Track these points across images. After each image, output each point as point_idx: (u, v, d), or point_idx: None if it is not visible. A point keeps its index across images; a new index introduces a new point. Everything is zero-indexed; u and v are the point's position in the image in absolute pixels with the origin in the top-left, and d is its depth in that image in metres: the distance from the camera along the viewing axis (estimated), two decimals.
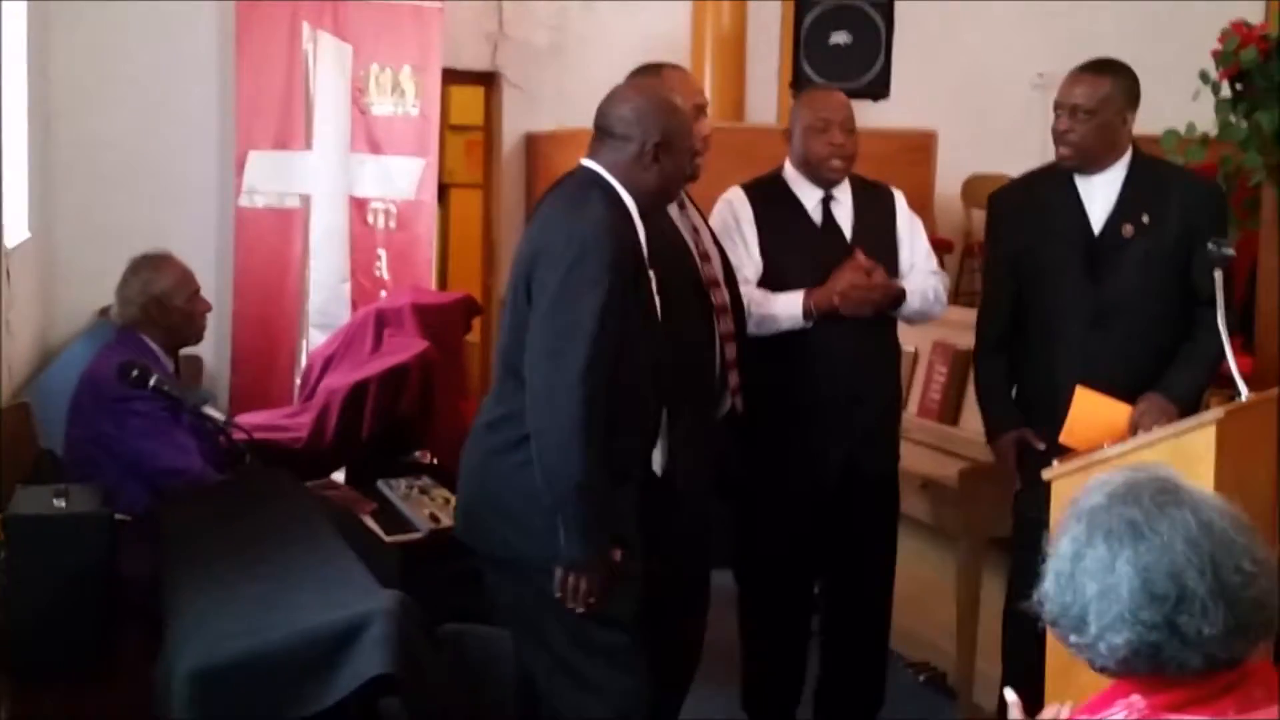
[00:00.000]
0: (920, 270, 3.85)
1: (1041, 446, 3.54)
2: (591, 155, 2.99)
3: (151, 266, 4.07)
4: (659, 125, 2.94)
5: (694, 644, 3.53)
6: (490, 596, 3.05)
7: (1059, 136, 3.61)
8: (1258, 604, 1.71)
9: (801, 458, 3.71)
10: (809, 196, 3.80)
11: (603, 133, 2.99)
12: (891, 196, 3.90)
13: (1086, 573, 1.74)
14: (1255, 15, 6.35)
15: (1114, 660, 1.74)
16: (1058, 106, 3.62)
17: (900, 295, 3.76)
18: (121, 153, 5.98)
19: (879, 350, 3.81)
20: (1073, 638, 1.77)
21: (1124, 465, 1.85)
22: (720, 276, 3.50)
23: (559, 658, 2.93)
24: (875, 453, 3.80)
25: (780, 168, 3.86)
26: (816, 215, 3.80)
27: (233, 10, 5.92)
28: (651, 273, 2.99)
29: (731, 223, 3.76)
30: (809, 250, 3.74)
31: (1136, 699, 1.76)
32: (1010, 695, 1.99)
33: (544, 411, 2.79)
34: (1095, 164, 3.62)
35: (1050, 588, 1.79)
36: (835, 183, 3.80)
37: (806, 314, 3.67)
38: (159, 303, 4.02)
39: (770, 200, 3.80)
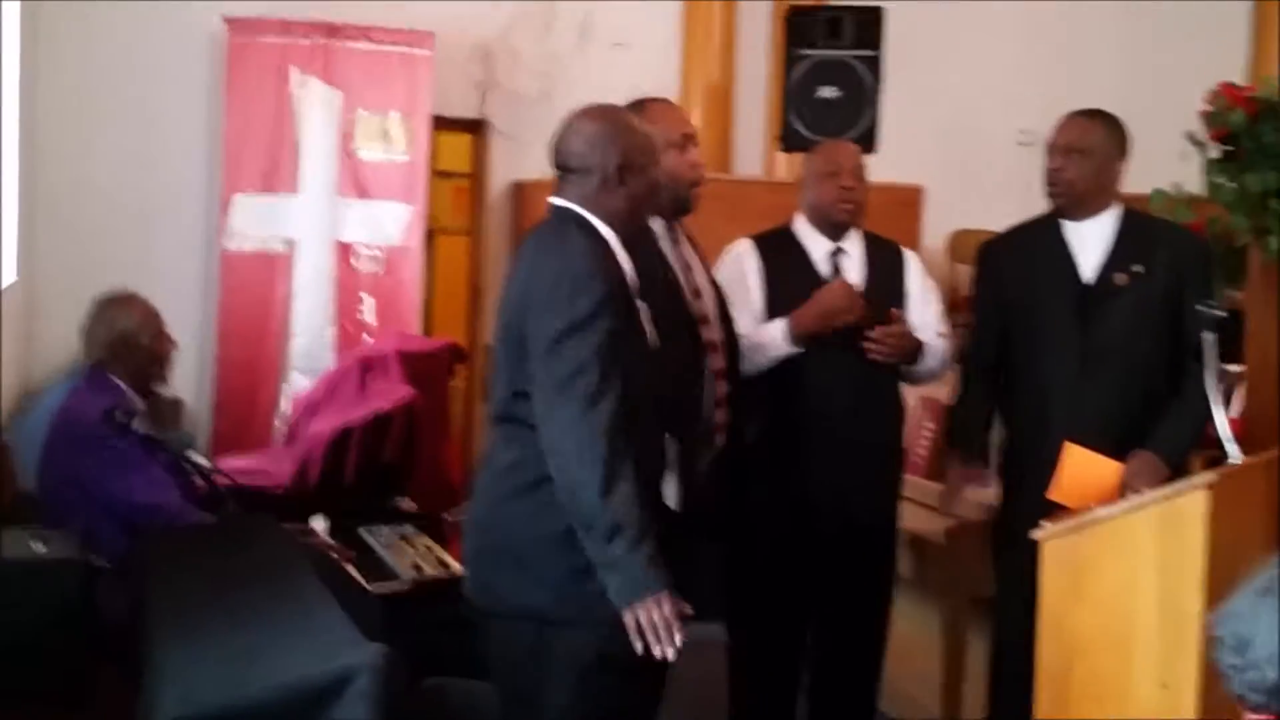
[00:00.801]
0: (929, 331, 3.84)
1: (988, 488, 3.60)
2: (558, 194, 2.93)
3: (117, 305, 4.06)
4: (615, 148, 2.87)
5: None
6: (488, 650, 2.91)
7: (1051, 176, 3.66)
8: None
9: (794, 505, 3.69)
10: (817, 248, 3.81)
11: (564, 170, 2.92)
12: (902, 256, 3.90)
13: (1268, 607, 1.80)
14: (1239, 74, 6.43)
15: (1261, 693, 1.80)
16: (1050, 148, 3.67)
17: (916, 348, 3.75)
18: (108, 195, 5.98)
19: (879, 403, 3.79)
20: (1230, 659, 1.82)
21: None
22: (713, 313, 3.48)
23: (561, 715, 2.81)
24: (871, 505, 3.77)
25: (791, 220, 3.87)
26: (824, 268, 3.80)
27: (222, 54, 5.93)
28: (643, 304, 2.93)
29: (736, 274, 3.76)
30: None
31: None
32: None
33: (556, 453, 2.70)
34: (1086, 208, 3.65)
35: (1233, 607, 1.85)
36: (844, 227, 3.79)
37: (789, 337, 3.66)
38: (125, 341, 4.00)
39: (777, 252, 3.80)
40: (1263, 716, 1.82)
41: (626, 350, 2.77)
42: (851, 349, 3.68)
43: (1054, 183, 3.66)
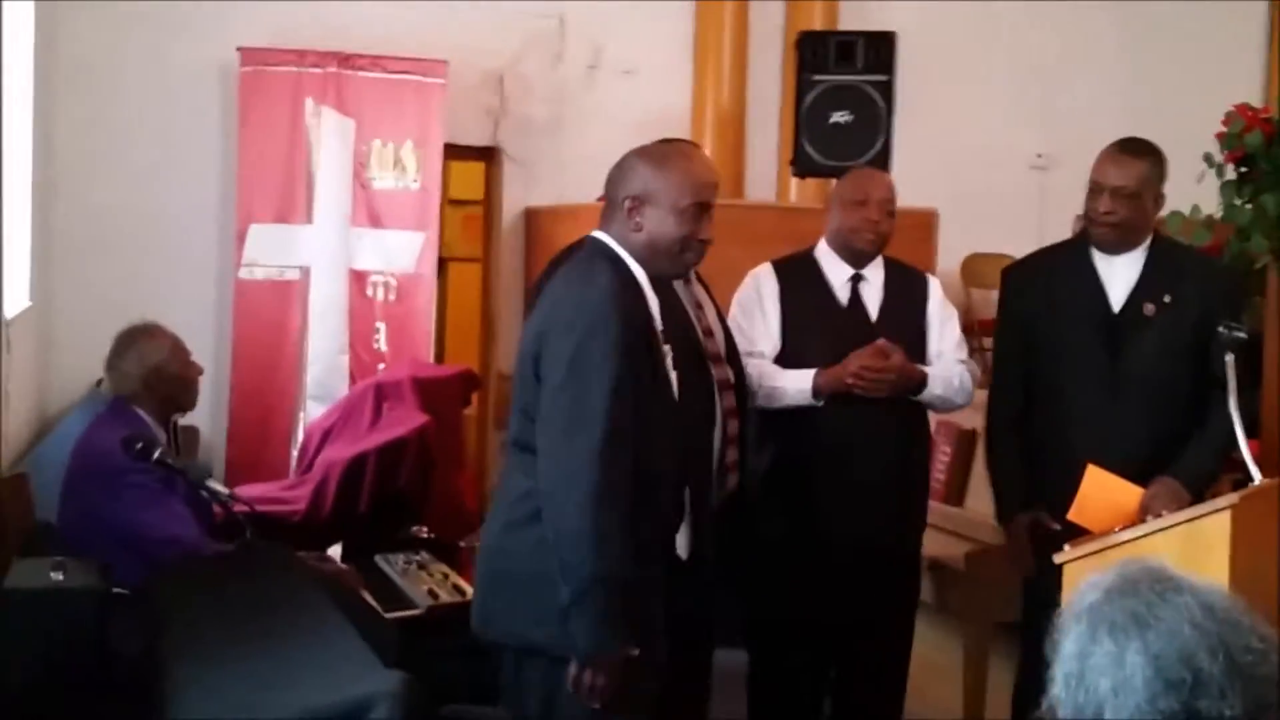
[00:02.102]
0: (947, 358, 3.82)
1: (1057, 528, 3.48)
2: (600, 225, 2.93)
3: (145, 337, 4.05)
4: (637, 179, 2.86)
5: None
6: (500, 680, 2.92)
7: (1098, 217, 3.59)
8: (1271, 682, 1.68)
9: (813, 537, 3.67)
10: (838, 275, 3.80)
11: (606, 199, 2.93)
12: (925, 283, 3.89)
13: (1096, 670, 1.69)
14: (1254, 95, 6.42)
15: None
16: (1095, 186, 3.59)
17: (922, 380, 3.73)
18: (123, 223, 5.99)
19: (900, 434, 3.76)
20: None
21: (1112, 562, 1.82)
22: (723, 352, 3.48)
23: None
24: (892, 537, 3.74)
25: (814, 246, 3.86)
26: (843, 294, 3.79)
27: (236, 84, 5.95)
28: (668, 347, 2.90)
29: (755, 297, 3.75)
30: (831, 329, 3.72)
31: None
32: None
33: (558, 497, 2.68)
34: (1129, 245, 3.62)
35: (1061, 692, 1.73)
36: (866, 257, 3.78)
37: (815, 393, 3.65)
38: (158, 373, 4.00)
39: (797, 276, 3.80)
40: None
41: (646, 397, 2.75)
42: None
43: (1102, 224, 3.59)
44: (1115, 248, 3.62)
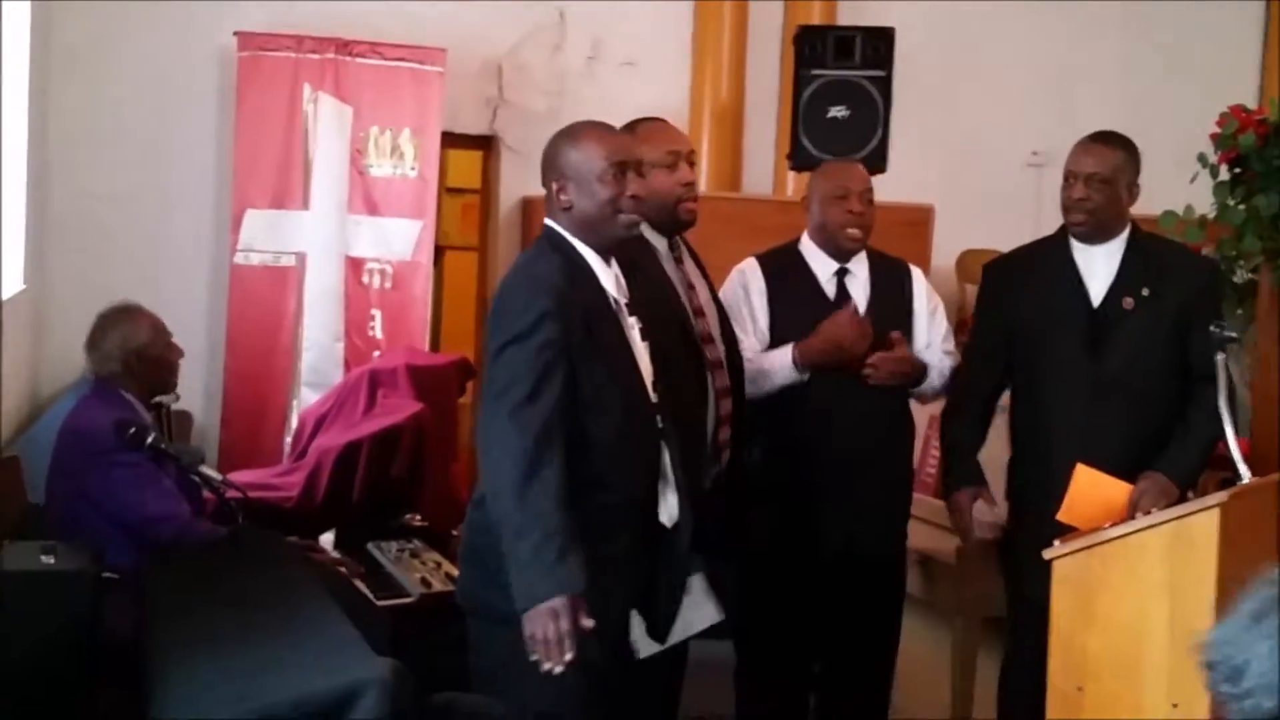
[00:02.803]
0: (936, 349, 3.83)
1: (994, 506, 3.57)
2: (546, 213, 3.02)
3: (126, 319, 4.04)
4: (554, 163, 2.94)
5: (669, 710, 3.46)
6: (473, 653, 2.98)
7: (1073, 204, 3.63)
8: None
9: (800, 528, 3.68)
10: (823, 269, 3.80)
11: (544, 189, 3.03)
12: (909, 274, 3.90)
13: (1263, 632, 1.72)
14: (1248, 96, 6.43)
15: (1258, 718, 1.73)
16: (1069, 175, 3.63)
17: (923, 370, 3.75)
18: (118, 208, 5.98)
19: (885, 424, 3.78)
20: (1224, 686, 1.74)
21: None
22: (716, 332, 3.48)
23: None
24: (877, 530, 3.76)
25: (797, 240, 3.86)
26: (830, 288, 3.79)
27: (234, 70, 5.94)
28: (633, 320, 2.97)
29: (741, 292, 3.75)
30: (818, 322, 3.72)
31: None
32: None
33: (485, 456, 2.79)
34: (1104, 234, 3.64)
35: (1226, 633, 1.76)
36: (852, 253, 3.79)
37: (797, 364, 3.66)
38: (139, 355, 3.99)
39: (783, 271, 3.80)
40: None
41: (590, 369, 2.82)
42: (856, 373, 3.68)
43: (1075, 211, 3.63)
44: (1091, 237, 3.64)
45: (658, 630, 3.01)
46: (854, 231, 3.75)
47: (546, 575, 2.64)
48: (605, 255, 2.97)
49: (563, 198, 2.92)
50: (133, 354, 3.98)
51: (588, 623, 2.65)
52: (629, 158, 2.97)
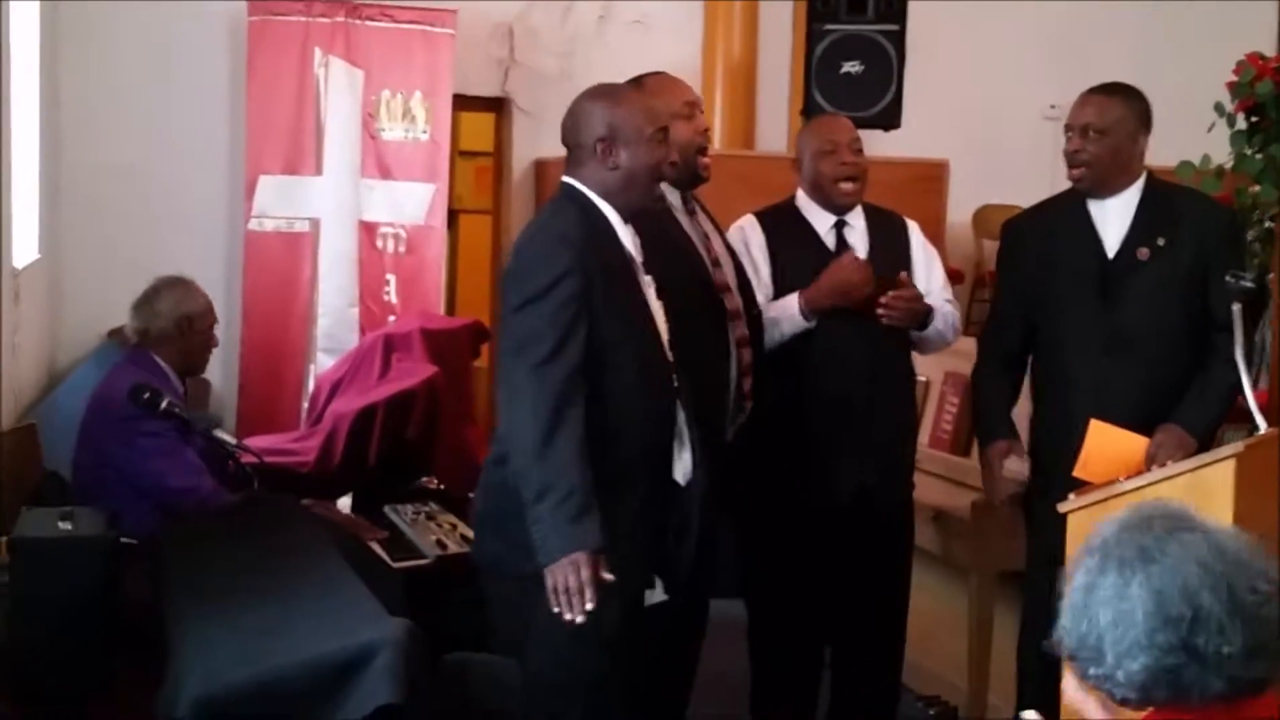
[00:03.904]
0: (935, 297, 3.83)
1: (1025, 460, 3.55)
2: (567, 172, 3.01)
3: (183, 287, 4.10)
4: (598, 120, 2.93)
5: (688, 669, 3.48)
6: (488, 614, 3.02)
7: (1070, 157, 3.60)
8: (1273, 623, 1.69)
9: (812, 477, 3.68)
10: (822, 222, 3.79)
11: (567, 148, 3.01)
12: (905, 225, 3.90)
13: (1100, 602, 1.72)
14: (1266, 44, 6.36)
15: (1134, 688, 1.71)
16: (1068, 128, 3.61)
17: (929, 312, 3.74)
18: (131, 176, 5.98)
19: (892, 371, 3.78)
20: (1091, 670, 1.75)
21: (1135, 501, 1.84)
22: (733, 282, 3.49)
23: (537, 679, 2.88)
24: (888, 479, 3.75)
25: (793, 196, 3.85)
26: (830, 240, 3.79)
27: (244, 35, 5.93)
28: (648, 279, 2.99)
29: (742, 249, 3.75)
30: (820, 271, 3.72)
31: None
32: (1030, 715, 1.97)
33: (504, 414, 2.83)
34: (1107, 186, 3.60)
35: (1067, 621, 1.77)
36: (848, 207, 3.78)
37: (803, 312, 3.65)
38: (189, 321, 4.03)
39: (783, 226, 3.79)
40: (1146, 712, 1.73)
41: (608, 327, 2.83)
42: (863, 319, 3.67)
43: (1073, 164, 3.59)
44: (1096, 190, 3.60)
45: (667, 585, 3.02)
46: (847, 185, 3.74)
47: (567, 531, 2.70)
48: (626, 216, 2.98)
49: (611, 159, 2.92)
50: (184, 318, 4.02)
51: (608, 576, 2.71)
52: (668, 122, 3.02)
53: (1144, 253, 3.56)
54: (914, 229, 3.90)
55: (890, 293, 3.65)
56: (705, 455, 3.02)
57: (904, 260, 3.82)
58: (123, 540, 3.28)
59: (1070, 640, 1.76)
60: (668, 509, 2.98)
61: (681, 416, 3.00)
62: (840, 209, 3.78)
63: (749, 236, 3.78)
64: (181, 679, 2.57)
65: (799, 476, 3.68)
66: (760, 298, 3.69)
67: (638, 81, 3.41)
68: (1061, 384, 3.62)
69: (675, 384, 2.99)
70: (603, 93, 3.00)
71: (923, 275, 3.83)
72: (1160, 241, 3.56)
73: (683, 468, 3.00)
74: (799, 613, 3.79)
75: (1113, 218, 3.61)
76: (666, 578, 3.03)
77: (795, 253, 3.75)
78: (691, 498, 3.00)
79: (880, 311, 3.65)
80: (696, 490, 3.00)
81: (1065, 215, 3.67)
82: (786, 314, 3.67)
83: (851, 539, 3.70)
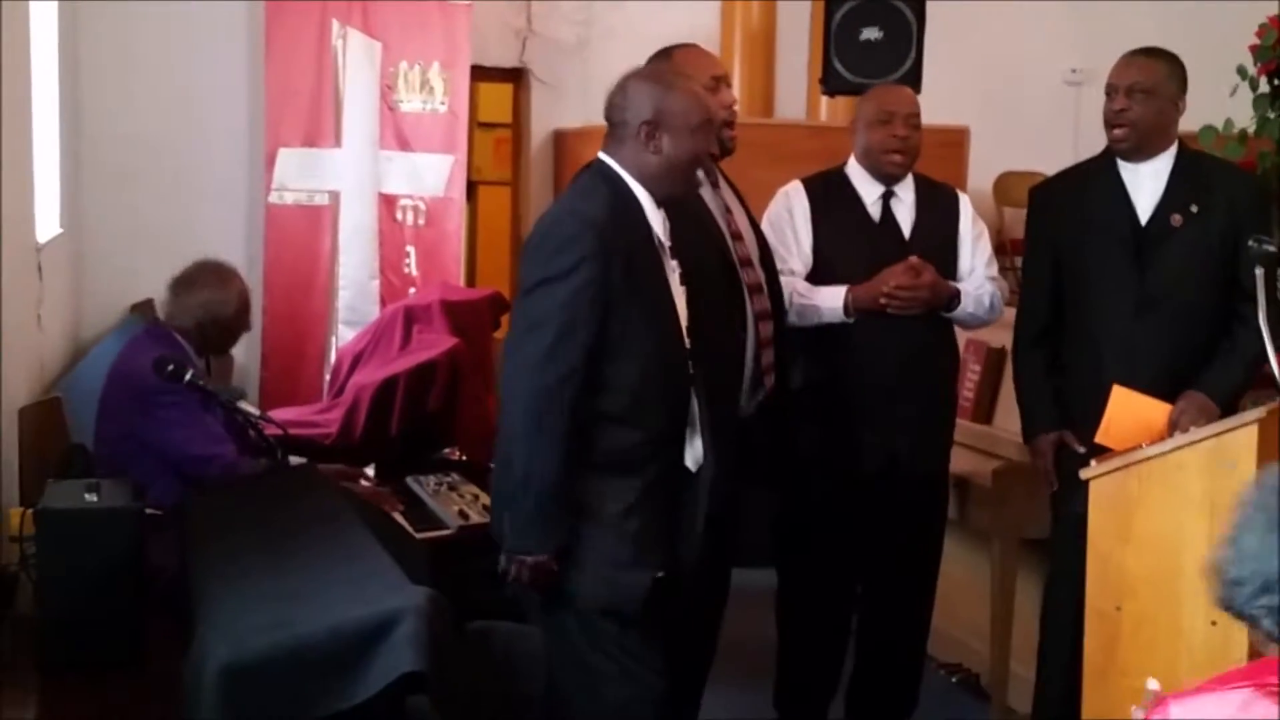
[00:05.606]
0: (979, 275, 3.82)
1: (1081, 450, 3.49)
2: (604, 148, 2.99)
3: (220, 285, 4.05)
4: (647, 103, 2.91)
5: (709, 638, 3.50)
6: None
7: (1114, 116, 3.58)
8: None
9: (841, 450, 3.68)
10: (869, 192, 3.79)
11: (609, 124, 2.99)
12: (956, 199, 3.89)
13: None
14: None
15: None
16: (1110, 89, 3.59)
17: (954, 295, 3.72)
18: (152, 149, 6.00)
19: (928, 348, 3.77)
20: (1261, 600, 1.75)
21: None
22: (754, 256, 3.49)
23: (568, 648, 2.92)
24: (919, 451, 3.75)
25: (845, 163, 3.84)
26: (875, 211, 3.78)
27: (262, 8, 5.93)
28: (675, 263, 2.97)
29: (785, 215, 3.75)
30: (863, 245, 3.72)
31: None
32: (1153, 684, 1.99)
33: (505, 399, 2.84)
34: (1148, 149, 3.59)
35: (1247, 545, 1.77)
36: (896, 178, 3.78)
37: (847, 310, 3.65)
38: (215, 322, 4.03)
39: (829, 194, 3.79)
40: None
41: (626, 313, 2.83)
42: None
43: (1118, 124, 3.58)
44: (1135, 153, 3.59)
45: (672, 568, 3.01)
46: (895, 157, 3.73)
47: (535, 531, 2.81)
48: (659, 201, 2.97)
49: (654, 143, 2.90)
50: (210, 321, 4.02)
51: (550, 578, 2.84)
52: (713, 115, 3.04)
53: (1177, 219, 3.55)
54: (965, 203, 3.89)
55: (892, 284, 3.64)
56: (718, 441, 3.02)
57: (950, 235, 3.81)
58: (148, 511, 3.29)
59: (1244, 567, 1.76)
60: (677, 492, 2.98)
61: (695, 404, 2.99)
62: (888, 179, 3.77)
63: (793, 203, 3.78)
64: (207, 647, 2.59)
65: (827, 448, 3.68)
66: (799, 267, 3.69)
67: (666, 53, 3.40)
68: (1091, 346, 3.61)
69: (691, 371, 2.98)
70: (655, 76, 3.00)
71: (968, 251, 3.82)
72: (1194, 209, 3.55)
73: (694, 454, 3.00)
74: (829, 579, 3.80)
75: (1146, 183, 3.60)
76: (671, 558, 3.01)
77: (839, 222, 3.75)
78: (702, 482, 3.00)
79: (883, 302, 3.64)
80: (707, 475, 3.00)
81: (1098, 179, 3.66)
82: (829, 306, 3.66)
83: (882, 509, 3.71)
